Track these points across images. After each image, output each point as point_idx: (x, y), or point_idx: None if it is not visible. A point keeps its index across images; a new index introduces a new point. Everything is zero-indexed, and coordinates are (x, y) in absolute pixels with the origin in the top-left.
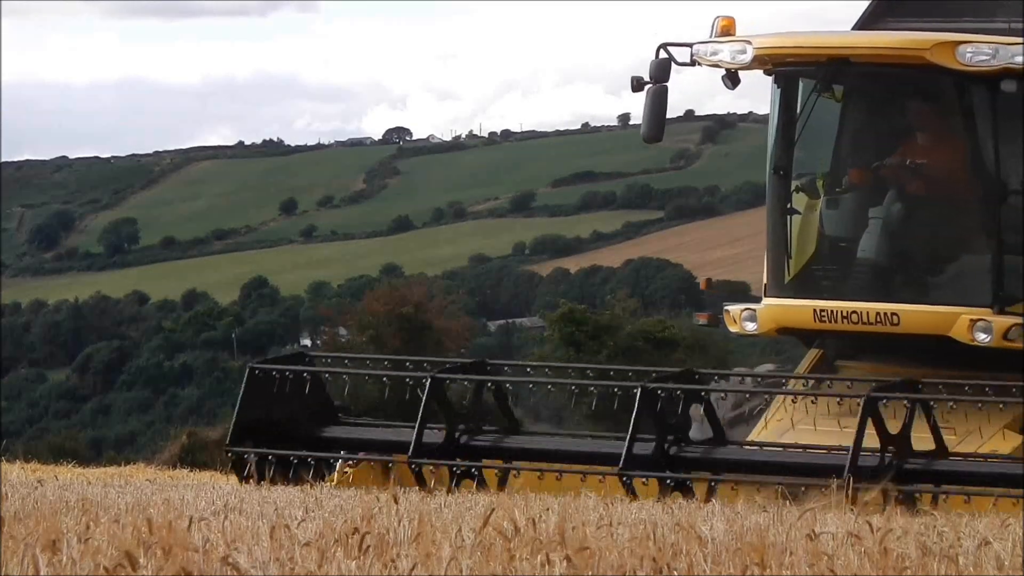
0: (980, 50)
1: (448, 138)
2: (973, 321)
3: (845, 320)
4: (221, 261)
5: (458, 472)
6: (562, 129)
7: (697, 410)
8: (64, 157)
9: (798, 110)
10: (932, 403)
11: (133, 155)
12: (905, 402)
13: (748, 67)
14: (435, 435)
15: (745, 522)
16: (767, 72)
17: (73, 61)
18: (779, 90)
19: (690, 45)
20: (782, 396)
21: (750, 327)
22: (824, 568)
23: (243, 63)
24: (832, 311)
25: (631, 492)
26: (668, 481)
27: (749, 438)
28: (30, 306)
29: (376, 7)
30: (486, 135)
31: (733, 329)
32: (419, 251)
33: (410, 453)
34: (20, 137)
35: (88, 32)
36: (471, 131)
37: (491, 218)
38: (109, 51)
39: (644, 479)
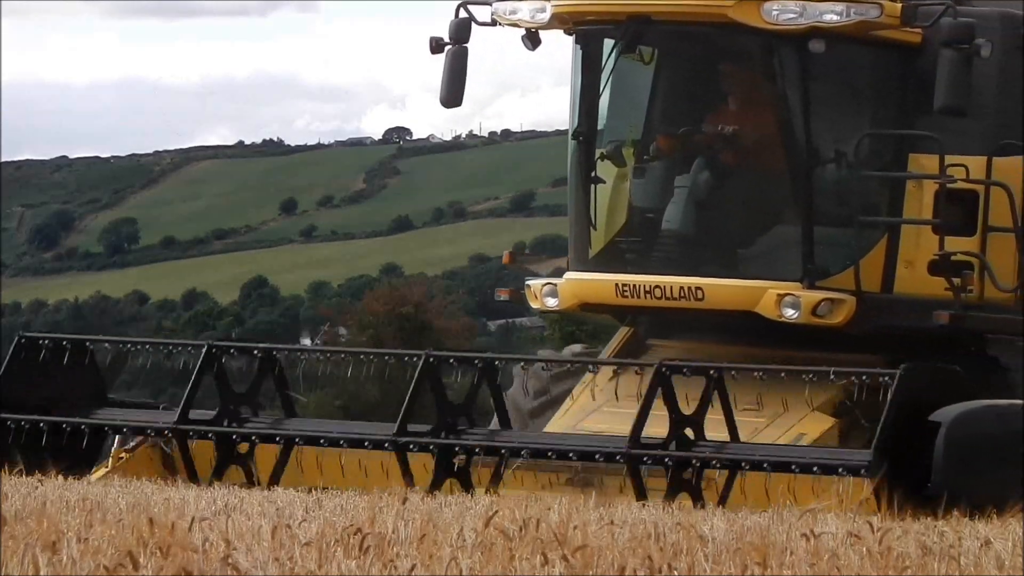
0: (787, 7)
1: (448, 138)
2: (780, 296)
3: (648, 295)
4: (221, 261)
5: (228, 451)
6: (562, 129)
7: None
8: (64, 157)
9: (604, 72)
10: (726, 381)
11: (133, 155)
12: (705, 380)
13: (547, 26)
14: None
15: (746, 522)
16: (568, 32)
17: (73, 61)
18: (580, 51)
19: (490, 3)
20: (587, 380)
21: (551, 303)
22: (825, 567)
23: (243, 63)
24: (635, 286)
25: (407, 479)
26: (449, 465)
27: (550, 423)
28: (30, 306)
29: (376, 7)
30: (486, 135)
31: (535, 305)
32: (419, 251)
33: (175, 421)
34: (20, 137)
35: (88, 32)
36: (471, 131)
37: (491, 218)
38: (109, 51)
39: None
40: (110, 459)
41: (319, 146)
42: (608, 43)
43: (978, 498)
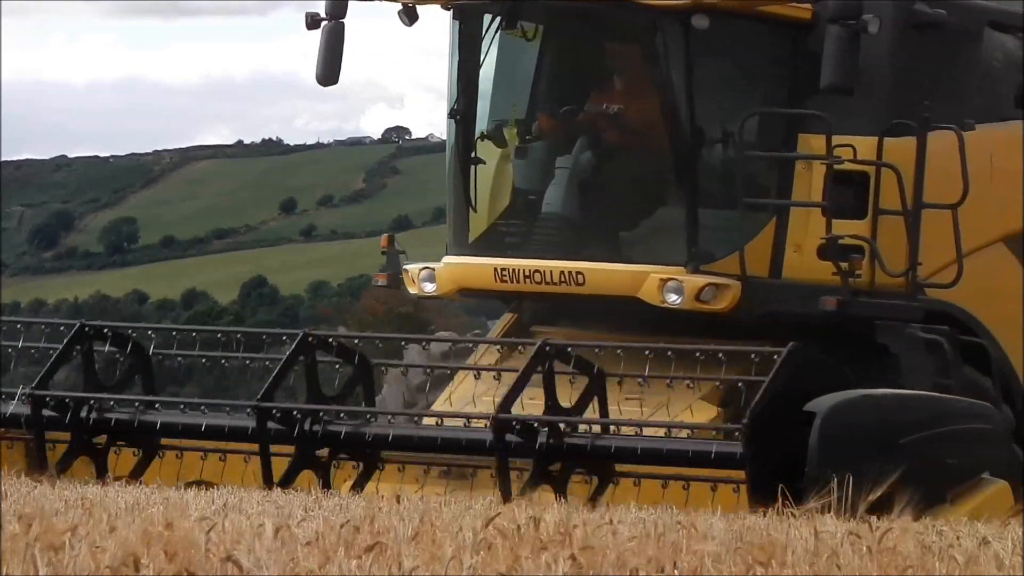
0: None
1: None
2: (663, 281)
3: (528, 280)
4: (221, 260)
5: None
6: None
7: (395, 374)
8: (64, 156)
9: (483, 50)
10: (609, 366)
11: (133, 154)
12: (585, 369)
13: (423, 1)
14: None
15: (746, 521)
16: (444, 7)
17: (73, 61)
18: (458, 26)
19: None
20: (470, 367)
21: (429, 288)
22: (824, 566)
23: (242, 62)
24: (514, 270)
25: (267, 476)
26: (305, 457)
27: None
28: (30, 305)
29: (373, 5)
30: None
31: (412, 291)
32: (419, 250)
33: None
34: (20, 136)
35: (88, 32)
36: None
37: None
38: (109, 51)
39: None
40: None
41: (318, 145)
42: (488, 19)
43: (853, 491)
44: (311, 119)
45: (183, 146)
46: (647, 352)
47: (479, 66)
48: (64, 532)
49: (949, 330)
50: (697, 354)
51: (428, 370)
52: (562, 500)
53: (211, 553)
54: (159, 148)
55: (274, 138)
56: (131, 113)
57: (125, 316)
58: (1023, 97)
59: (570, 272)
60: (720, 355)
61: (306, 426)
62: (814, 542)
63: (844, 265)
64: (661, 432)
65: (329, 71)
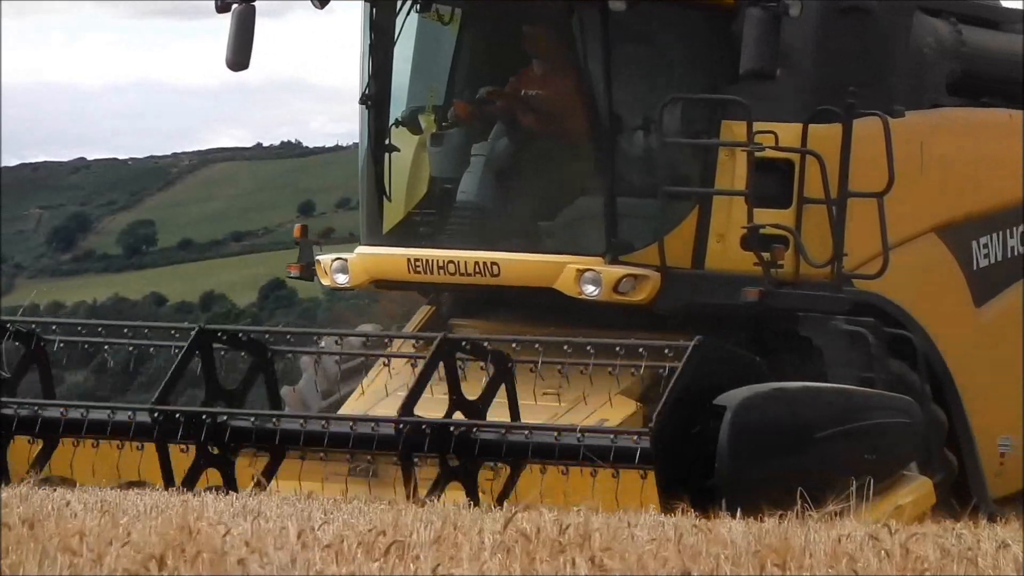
0: None
1: None
2: (580, 272)
3: (442, 271)
4: (238, 263)
5: None
6: None
7: (312, 362)
8: (82, 159)
9: (398, 33)
10: (524, 363)
11: (151, 156)
12: (495, 362)
13: None
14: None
15: (765, 524)
16: None
17: (90, 63)
18: (370, 8)
19: None
20: (382, 361)
21: (341, 279)
22: (844, 570)
23: (259, 64)
24: (428, 261)
25: (166, 476)
26: (208, 454)
27: (343, 408)
28: (48, 308)
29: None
30: None
31: (325, 282)
32: None
33: None
34: (37, 139)
35: (104, 33)
36: None
37: None
38: (126, 52)
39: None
40: None
41: (336, 148)
42: (401, 1)
43: (764, 491)
44: (327, 121)
45: (201, 148)
46: (565, 347)
47: (392, 51)
48: (85, 534)
49: (875, 322)
50: (617, 348)
51: (340, 360)
52: (471, 501)
53: (230, 556)
54: (177, 151)
55: (292, 140)
56: (148, 115)
57: (143, 318)
58: (956, 84)
59: (485, 263)
60: (640, 349)
61: (206, 424)
62: (833, 545)
63: (766, 255)
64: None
65: (240, 55)
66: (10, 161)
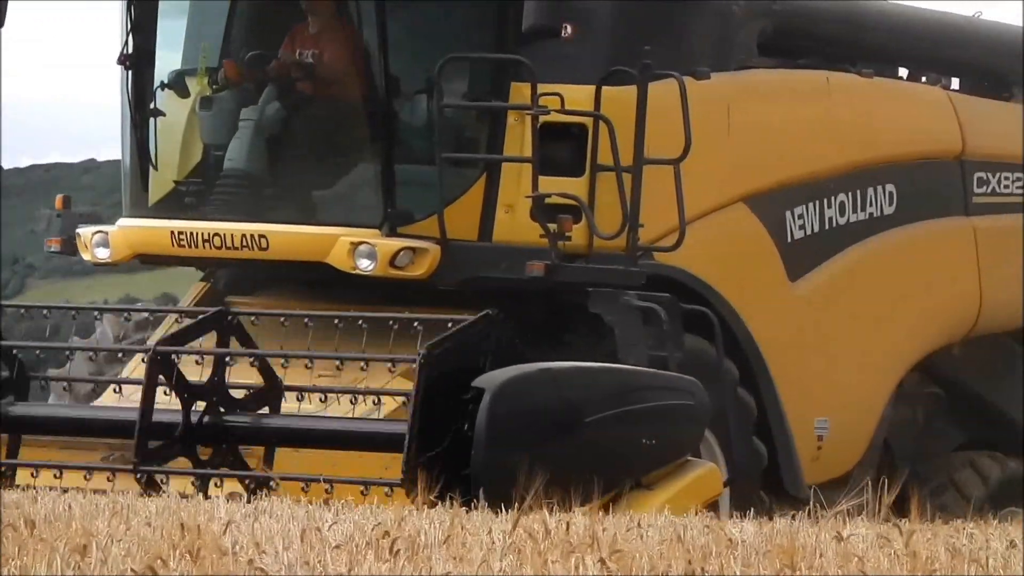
0: None
1: None
2: (354, 245)
3: (207, 244)
4: None
5: None
6: None
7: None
8: (92, 160)
9: None
10: (302, 339)
11: None
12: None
13: None
14: None
15: (775, 524)
16: None
17: (99, 62)
18: None
19: None
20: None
21: (102, 254)
22: (853, 570)
23: None
24: (192, 233)
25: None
26: None
27: (101, 397)
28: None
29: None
30: None
31: (86, 256)
32: None
33: None
34: (49, 140)
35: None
36: None
37: None
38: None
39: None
40: None
41: None
42: None
43: (525, 480)
44: None
45: None
46: (336, 322)
47: (155, 6)
48: (93, 535)
49: (671, 298)
50: (391, 323)
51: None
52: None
53: (239, 557)
54: None
55: None
56: None
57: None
58: (768, 44)
59: (252, 235)
60: (416, 324)
61: None
62: (843, 545)
63: (552, 227)
64: (359, 412)
65: None
66: (22, 162)
